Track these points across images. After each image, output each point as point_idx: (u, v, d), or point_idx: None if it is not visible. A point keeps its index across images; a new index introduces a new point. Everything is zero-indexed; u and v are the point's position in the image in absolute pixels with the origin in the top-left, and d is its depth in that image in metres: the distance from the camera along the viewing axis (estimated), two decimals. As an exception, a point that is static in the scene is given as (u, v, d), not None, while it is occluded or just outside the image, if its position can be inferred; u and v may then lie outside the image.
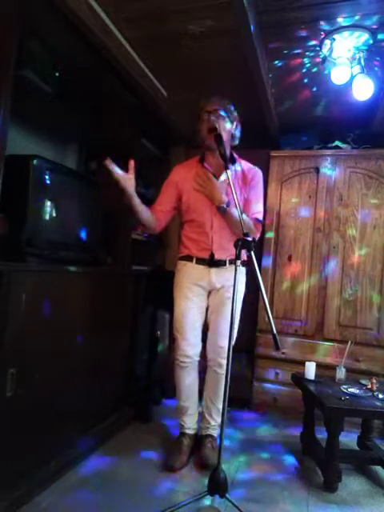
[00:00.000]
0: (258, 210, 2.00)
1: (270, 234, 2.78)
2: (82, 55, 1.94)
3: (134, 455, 1.99)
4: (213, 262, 1.97)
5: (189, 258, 2.01)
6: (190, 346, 2.00)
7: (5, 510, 1.42)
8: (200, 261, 1.99)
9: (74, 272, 1.88)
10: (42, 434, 1.64)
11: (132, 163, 1.75)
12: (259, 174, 2.05)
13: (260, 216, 2.00)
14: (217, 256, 1.96)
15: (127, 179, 1.74)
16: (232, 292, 1.91)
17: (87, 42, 1.83)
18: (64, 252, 1.91)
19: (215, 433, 2.03)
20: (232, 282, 1.91)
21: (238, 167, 2.02)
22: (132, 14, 1.75)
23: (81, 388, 1.91)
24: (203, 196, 1.95)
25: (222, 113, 1.90)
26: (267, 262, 2.78)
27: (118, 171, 1.70)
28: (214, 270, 1.97)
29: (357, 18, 1.71)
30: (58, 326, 1.72)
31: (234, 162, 2.00)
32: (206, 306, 2.04)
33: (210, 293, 2.03)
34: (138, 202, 1.85)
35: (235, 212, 1.84)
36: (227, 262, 1.96)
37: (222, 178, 1.95)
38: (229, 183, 1.73)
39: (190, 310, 2.00)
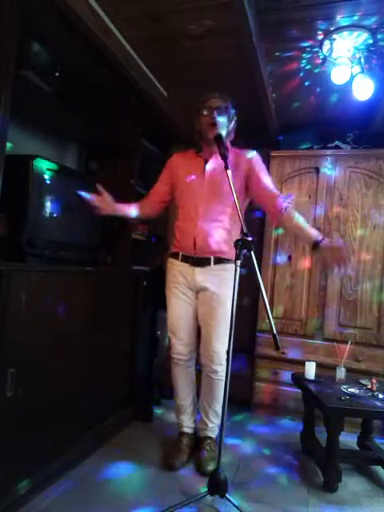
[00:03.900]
0: (276, 188, 1.93)
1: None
2: (82, 55, 1.94)
3: (134, 455, 1.98)
4: (195, 261, 1.92)
5: (175, 255, 2.00)
6: (183, 345, 2.02)
7: (4, 510, 1.42)
8: (185, 258, 1.96)
9: (74, 272, 1.88)
10: (41, 433, 1.64)
11: (100, 187, 1.87)
12: (253, 156, 1.95)
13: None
14: (198, 244, 1.89)
15: (102, 201, 1.86)
16: (221, 294, 1.89)
17: (87, 41, 1.83)
18: (64, 252, 1.91)
19: (213, 434, 2.03)
20: (220, 283, 1.90)
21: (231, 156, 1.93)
22: (132, 13, 1.75)
23: (81, 388, 1.91)
24: (192, 182, 1.94)
25: (224, 109, 1.89)
26: (267, 261, 2.78)
27: (91, 198, 1.84)
28: (198, 270, 1.93)
29: (357, 17, 1.71)
30: (58, 326, 1.72)
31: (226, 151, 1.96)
32: (196, 304, 2.00)
33: (198, 292, 1.99)
34: (119, 209, 1.95)
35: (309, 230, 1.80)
36: (212, 260, 1.91)
37: (211, 164, 1.93)
38: (228, 179, 1.69)
39: (180, 309, 2.00)
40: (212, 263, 1.91)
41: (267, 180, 1.93)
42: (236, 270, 1.57)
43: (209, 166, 1.94)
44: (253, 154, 1.96)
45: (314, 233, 1.77)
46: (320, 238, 1.73)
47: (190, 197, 1.96)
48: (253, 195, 1.96)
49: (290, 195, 1.97)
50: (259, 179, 1.91)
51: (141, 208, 2.06)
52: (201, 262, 1.93)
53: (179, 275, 1.98)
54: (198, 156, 1.98)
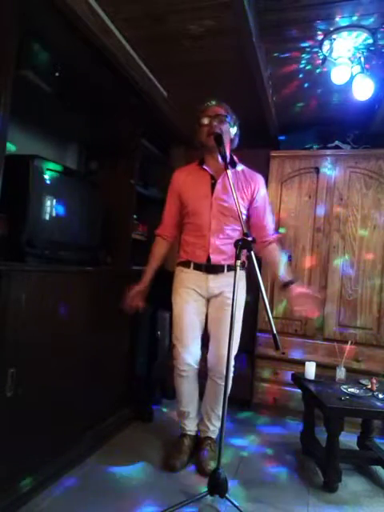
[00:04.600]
0: (273, 225, 2.04)
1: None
2: (82, 55, 1.94)
3: (134, 455, 1.98)
4: (210, 268, 1.93)
5: (187, 264, 1.99)
6: (189, 354, 1.96)
7: (6, 508, 1.42)
8: (197, 266, 1.95)
9: (74, 272, 1.88)
10: (42, 433, 1.64)
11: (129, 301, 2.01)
12: (262, 181, 2.02)
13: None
14: (213, 259, 1.92)
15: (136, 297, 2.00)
16: (231, 299, 1.91)
17: (87, 41, 1.83)
18: (64, 252, 1.91)
19: (214, 435, 2.03)
20: (230, 288, 1.86)
21: (239, 168, 1.98)
22: (132, 13, 1.75)
23: (81, 388, 1.91)
24: (202, 199, 1.93)
25: (224, 117, 1.89)
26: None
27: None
28: (211, 277, 1.93)
29: (357, 17, 1.71)
30: (58, 326, 1.73)
31: (234, 165, 1.96)
32: (205, 311, 2.00)
33: (208, 300, 1.99)
34: (151, 275, 2.04)
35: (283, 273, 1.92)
36: (225, 268, 1.92)
37: (218, 176, 1.92)
38: (229, 184, 1.71)
39: (188, 314, 1.96)
40: (225, 270, 1.93)
41: (268, 215, 2.01)
42: (236, 270, 1.57)
43: (217, 181, 1.92)
44: (261, 179, 2.02)
45: (286, 274, 1.91)
46: (289, 280, 1.87)
47: (200, 214, 1.94)
48: (248, 214, 1.99)
49: (276, 232, 2.05)
50: (261, 204, 1.98)
51: (166, 244, 2.08)
52: (214, 269, 1.93)
53: (191, 283, 1.97)
54: (203, 170, 1.96)
